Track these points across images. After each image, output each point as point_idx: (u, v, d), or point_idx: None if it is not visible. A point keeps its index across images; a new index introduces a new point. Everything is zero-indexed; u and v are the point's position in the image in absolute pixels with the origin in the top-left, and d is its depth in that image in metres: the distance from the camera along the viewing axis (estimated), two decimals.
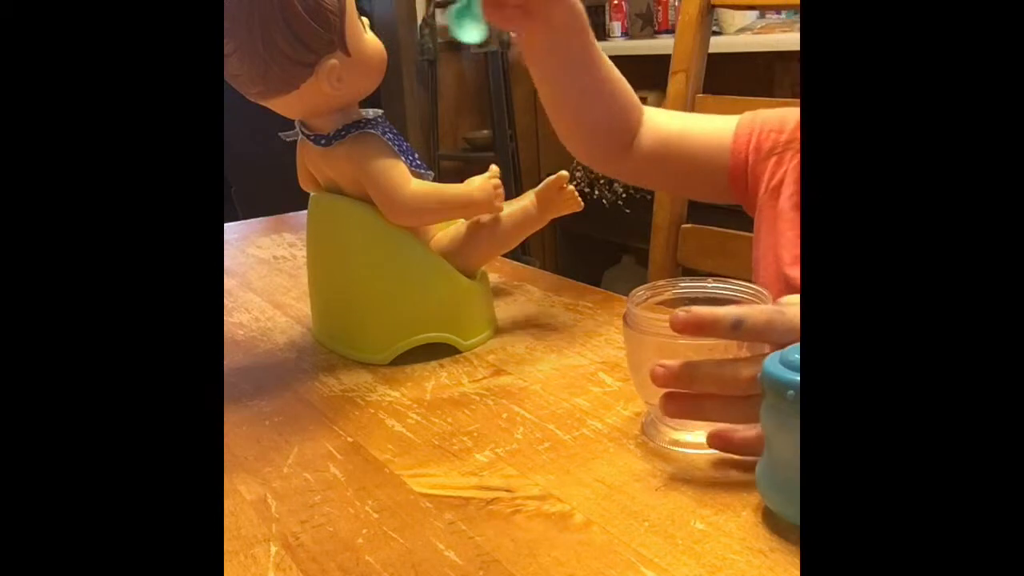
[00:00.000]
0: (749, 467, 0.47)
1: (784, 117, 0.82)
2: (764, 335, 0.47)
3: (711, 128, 0.85)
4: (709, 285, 0.55)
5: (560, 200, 0.68)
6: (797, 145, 0.79)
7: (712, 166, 0.83)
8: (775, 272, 0.81)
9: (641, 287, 0.54)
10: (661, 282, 0.55)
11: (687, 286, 0.55)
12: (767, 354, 0.44)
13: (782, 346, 0.44)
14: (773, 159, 0.81)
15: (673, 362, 0.47)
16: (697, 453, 0.49)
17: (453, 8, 0.60)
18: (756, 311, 0.48)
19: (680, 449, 0.50)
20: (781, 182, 0.80)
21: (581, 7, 0.74)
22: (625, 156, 0.84)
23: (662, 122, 0.86)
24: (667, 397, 0.48)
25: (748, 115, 0.84)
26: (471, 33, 0.61)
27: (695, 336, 0.47)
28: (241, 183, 2.92)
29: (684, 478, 0.47)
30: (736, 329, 0.47)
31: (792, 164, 0.79)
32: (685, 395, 0.48)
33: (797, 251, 0.78)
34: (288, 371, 0.66)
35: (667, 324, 0.47)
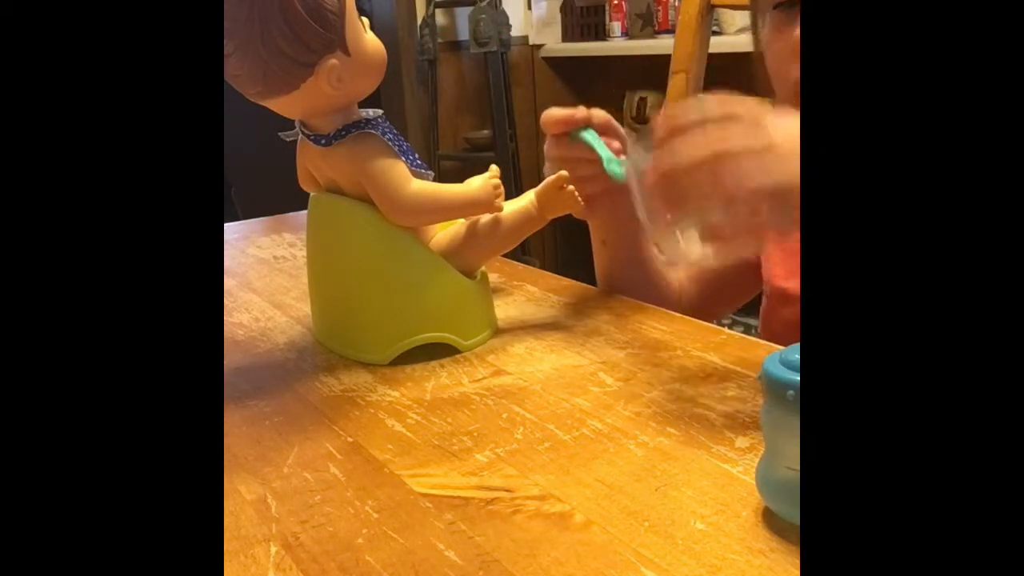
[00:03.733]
0: (749, 467, 0.47)
1: None
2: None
3: None
4: None
5: (560, 200, 0.68)
6: None
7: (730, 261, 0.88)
8: (771, 291, 0.83)
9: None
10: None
11: None
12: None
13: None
14: None
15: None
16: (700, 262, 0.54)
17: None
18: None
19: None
20: None
21: None
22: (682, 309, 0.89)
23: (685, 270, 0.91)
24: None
25: None
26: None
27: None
28: (241, 183, 2.92)
29: (684, 478, 0.47)
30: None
31: None
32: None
33: (789, 266, 0.80)
34: (288, 371, 0.66)
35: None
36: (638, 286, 0.82)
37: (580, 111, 0.70)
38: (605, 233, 0.81)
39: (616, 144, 0.71)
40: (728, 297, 0.95)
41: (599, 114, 0.71)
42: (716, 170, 0.50)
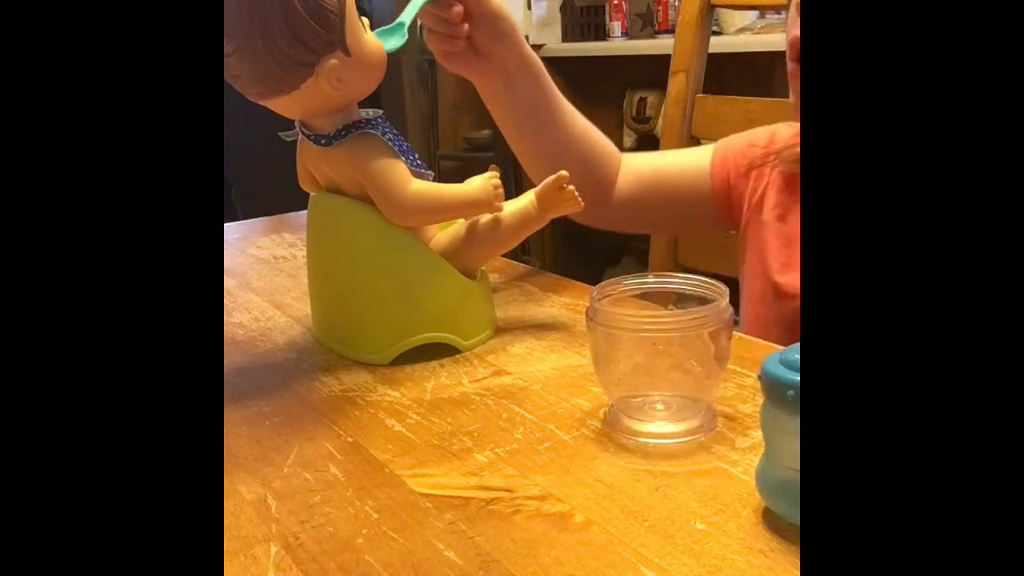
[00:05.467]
0: (749, 467, 0.47)
1: (753, 136, 0.87)
2: None
3: (688, 159, 0.90)
4: (654, 280, 0.57)
5: (560, 200, 0.68)
6: (774, 158, 0.82)
7: (695, 195, 0.88)
8: (763, 281, 0.82)
9: (601, 284, 0.56)
10: (617, 279, 0.57)
11: (642, 281, 0.57)
12: None
13: None
14: (753, 174, 0.84)
15: None
16: (656, 443, 0.51)
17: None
18: None
19: (641, 440, 0.51)
20: (764, 195, 0.82)
21: (531, 51, 0.80)
22: (607, 204, 0.88)
23: (639, 164, 0.90)
24: None
25: (720, 142, 0.89)
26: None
27: None
28: (241, 183, 2.92)
29: (684, 478, 0.47)
30: None
31: (772, 176, 0.83)
32: None
33: (784, 259, 0.80)
34: (288, 371, 0.66)
35: (631, 318, 0.50)
36: (563, 161, 0.80)
37: None
38: (490, 92, 0.81)
39: (458, 8, 0.72)
40: (677, 220, 0.93)
41: None
42: None
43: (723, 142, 0.88)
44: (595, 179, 0.86)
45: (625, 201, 0.88)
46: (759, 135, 0.86)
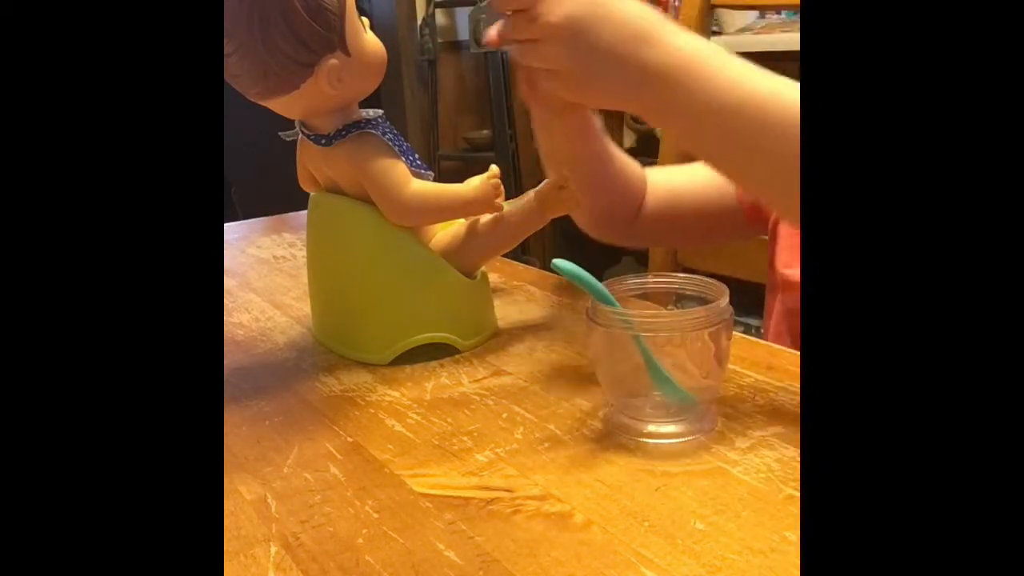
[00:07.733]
0: (749, 467, 0.47)
1: None
2: None
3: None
4: (654, 280, 0.57)
5: (560, 200, 0.68)
6: None
7: (724, 206, 0.85)
8: (775, 278, 0.81)
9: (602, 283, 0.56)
10: (617, 279, 0.56)
11: (642, 281, 0.57)
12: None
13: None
14: None
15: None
16: (656, 443, 0.51)
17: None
18: None
19: (641, 440, 0.51)
20: None
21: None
22: (633, 225, 0.86)
23: (665, 180, 0.87)
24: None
25: None
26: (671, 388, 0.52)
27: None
28: (241, 183, 2.92)
29: (684, 478, 0.47)
30: None
31: None
32: None
33: (794, 252, 0.79)
34: (288, 371, 0.66)
35: (629, 317, 0.51)
36: (604, 189, 0.79)
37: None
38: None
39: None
40: (707, 232, 0.91)
41: None
42: None
43: None
44: (623, 203, 0.85)
45: (653, 220, 0.87)
46: None
